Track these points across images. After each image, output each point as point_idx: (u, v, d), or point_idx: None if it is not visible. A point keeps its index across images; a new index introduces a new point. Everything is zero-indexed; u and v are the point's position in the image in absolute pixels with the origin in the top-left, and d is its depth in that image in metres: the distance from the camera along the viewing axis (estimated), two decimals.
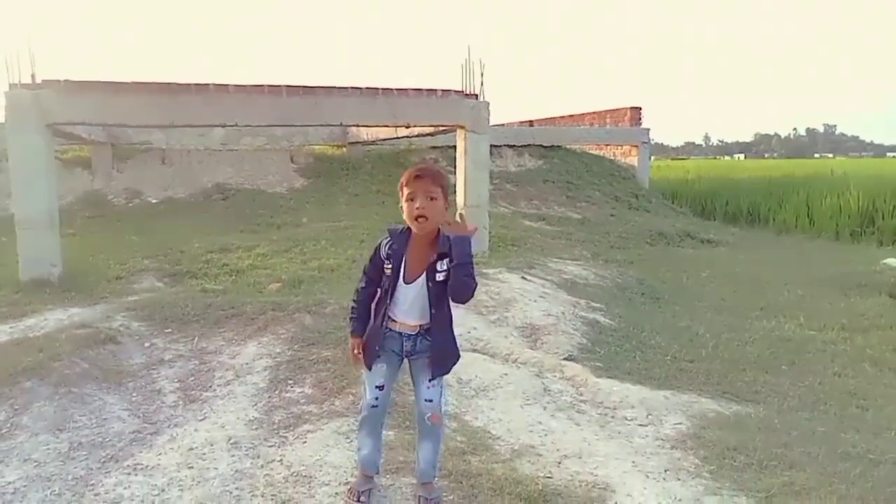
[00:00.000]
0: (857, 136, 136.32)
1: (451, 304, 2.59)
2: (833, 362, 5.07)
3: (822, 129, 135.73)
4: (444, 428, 2.88)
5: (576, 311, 5.87)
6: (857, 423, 3.80)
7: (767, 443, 3.34)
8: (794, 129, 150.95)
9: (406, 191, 2.47)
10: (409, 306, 2.59)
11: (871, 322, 6.14)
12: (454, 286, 2.48)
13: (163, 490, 2.94)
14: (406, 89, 7.59)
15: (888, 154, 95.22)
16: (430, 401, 2.65)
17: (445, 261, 2.50)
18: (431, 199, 2.45)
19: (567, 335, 5.18)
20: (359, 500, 2.71)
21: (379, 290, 2.62)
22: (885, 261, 9.07)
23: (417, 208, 2.43)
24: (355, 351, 2.68)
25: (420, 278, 2.55)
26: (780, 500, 2.83)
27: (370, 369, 2.65)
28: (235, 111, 7.05)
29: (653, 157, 22.68)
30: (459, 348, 2.72)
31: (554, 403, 3.88)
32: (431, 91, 7.67)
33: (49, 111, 6.42)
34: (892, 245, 11.89)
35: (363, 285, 2.67)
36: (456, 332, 2.73)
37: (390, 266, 2.55)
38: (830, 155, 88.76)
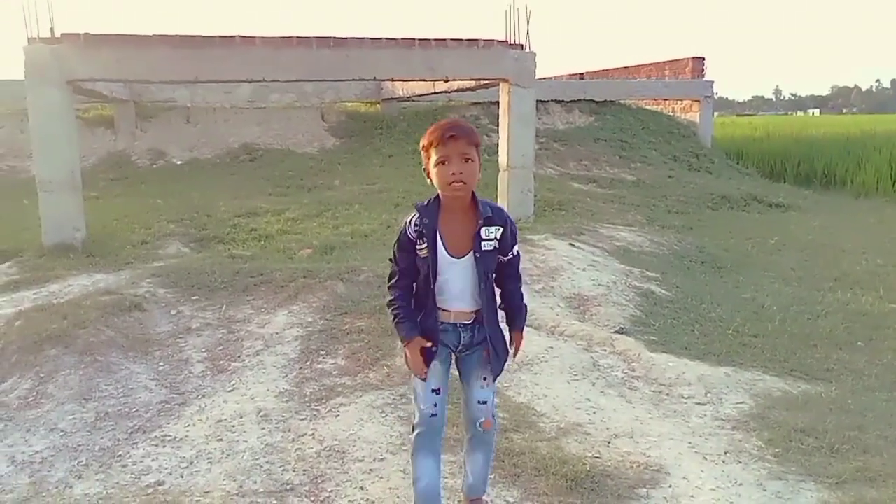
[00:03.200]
0: None
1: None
2: None
3: None
4: (497, 434, 2.65)
5: (628, 280, 5.80)
6: None
7: (839, 425, 3.27)
8: (878, 80, 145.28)
9: (436, 154, 2.22)
10: (460, 289, 2.32)
11: None
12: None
13: (191, 463, 3.04)
14: (445, 40, 7.49)
15: None
16: (484, 403, 2.41)
17: (493, 228, 2.29)
18: (467, 160, 2.21)
19: (619, 307, 5.13)
20: None
21: (416, 280, 2.34)
22: None
23: (454, 173, 2.19)
24: (419, 357, 2.33)
25: (469, 252, 2.29)
26: (852, 487, 2.78)
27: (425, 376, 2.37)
28: (263, 65, 7.07)
29: (716, 114, 22.08)
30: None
31: (604, 379, 3.87)
32: (472, 41, 7.56)
33: (69, 67, 6.54)
34: None
35: (396, 279, 2.35)
36: (498, 303, 2.63)
37: (424, 245, 2.27)
38: None
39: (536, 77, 7.95)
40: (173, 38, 6.87)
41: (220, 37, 6.98)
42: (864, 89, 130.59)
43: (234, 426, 3.35)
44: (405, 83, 11.61)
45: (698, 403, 3.60)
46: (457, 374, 2.47)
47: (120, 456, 3.12)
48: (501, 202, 7.77)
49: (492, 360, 2.39)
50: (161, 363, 4.10)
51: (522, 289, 2.47)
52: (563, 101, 14.88)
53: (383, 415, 3.41)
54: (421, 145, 2.29)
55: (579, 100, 15.09)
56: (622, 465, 2.97)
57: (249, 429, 3.31)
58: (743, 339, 4.69)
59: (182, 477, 2.92)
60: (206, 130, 12.40)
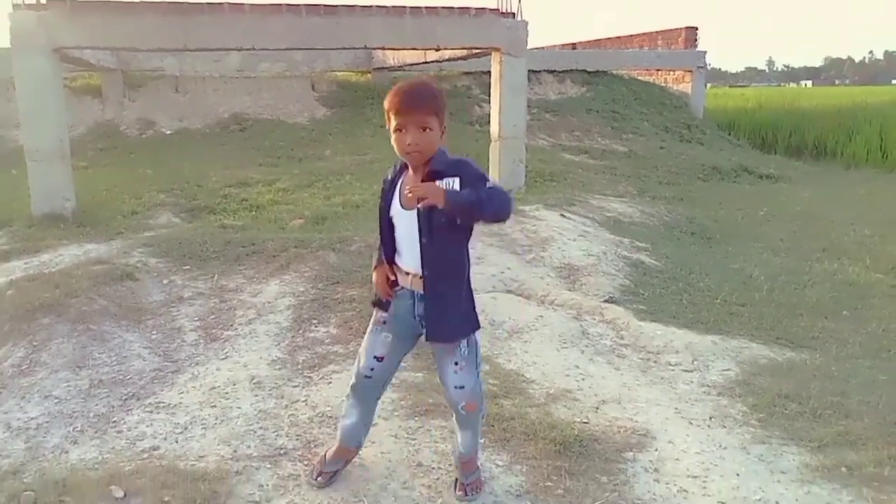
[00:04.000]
0: None
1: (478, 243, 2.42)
2: None
3: None
4: (485, 409, 2.63)
5: (618, 250, 5.85)
6: None
7: (822, 391, 3.35)
8: (870, 52, 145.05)
9: (394, 120, 2.17)
10: (407, 246, 2.28)
11: None
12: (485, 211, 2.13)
13: (185, 428, 3.07)
14: (436, 8, 7.43)
15: None
16: (461, 388, 2.36)
17: (446, 181, 2.14)
18: (425, 129, 2.16)
19: (608, 276, 5.18)
20: (317, 479, 2.57)
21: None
22: None
23: (409, 144, 2.15)
24: (382, 279, 2.36)
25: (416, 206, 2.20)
26: (834, 450, 2.86)
27: (377, 318, 2.43)
28: (251, 33, 7.01)
29: (709, 85, 21.98)
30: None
31: (593, 347, 3.93)
32: (464, 9, 7.51)
33: (55, 34, 6.46)
34: None
35: (379, 233, 2.38)
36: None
37: (390, 200, 2.31)
38: None
39: (528, 47, 7.91)
40: (161, 5, 6.79)
41: (209, 3, 6.90)
42: (856, 61, 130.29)
43: (227, 393, 3.38)
44: (396, 52, 11.53)
45: (685, 370, 3.67)
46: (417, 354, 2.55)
47: (115, 422, 3.16)
48: (493, 172, 7.79)
49: (428, 330, 2.30)
50: (154, 332, 4.13)
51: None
52: (555, 71, 14.81)
53: None
54: (384, 106, 2.22)
55: (571, 70, 15.01)
56: (609, 430, 3.03)
57: (243, 395, 3.35)
58: (730, 308, 4.76)
59: (177, 442, 2.96)
60: (196, 100, 12.28)
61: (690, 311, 4.66)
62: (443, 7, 7.48)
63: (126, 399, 3.38)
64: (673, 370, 3.67)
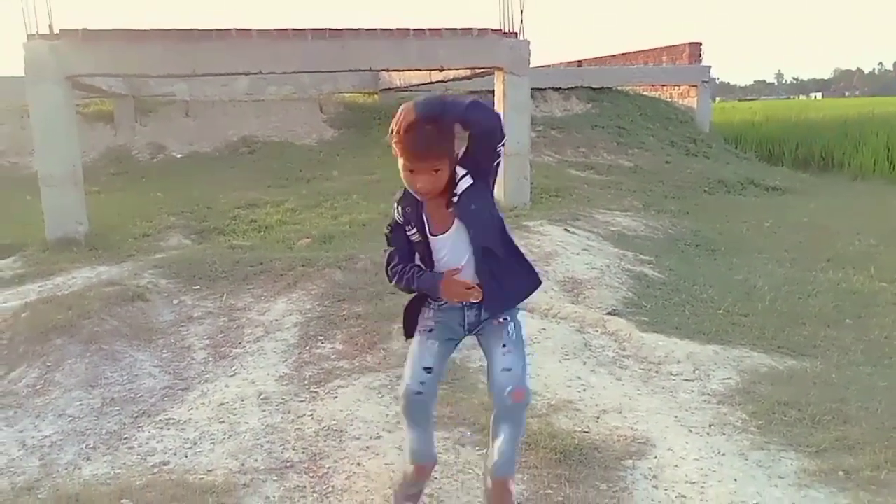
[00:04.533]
0: None
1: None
2: None
3: None
4: (528, 405, 2.39)
5: (622, 263, 5.91)
6: None
7: (822, 398, 3.38)
8: (880, 63, 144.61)
9: (402, 159, 2.16)
10: (453, 263, 2.27)
11: None
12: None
13: (195, 443, 3.16)
14: (439, 29, 7.57)
15: None
16: (509, 370, 2.22)
17: (462, 180, 2.19)
18: (436, 171, 2.15)
19: (611, 289, 5.24)
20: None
21: (414, 261, 2.33)
22: None
23: (420, 187, 2.18)
24: (459, 282, 2.24)
25: (453, 222, 2.24)
26: (832, 455, 2.90)
27: (411, 337, 2.40)
28: (259, 58, 7.16)
29: (717, 99, 22.10)
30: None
31: (595, 359, 3.98)
32: (466, 30, 7.64)
33: (68, 62, 6.63)
34: None
35: (395, 260, 2.33)
36: None
37: (414, 230, 2.27)
38: None
39: (534, 65, 8.03)
40: (170, 32, 6.97)
41: (217, 30, 7.06)
42: (866, 72, 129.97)
43: (235, 409, 3.46)
44: (402, 73, 11.68)
45: (686, 380, 3.71)
46: (456, 358, 2.53)
47: (126, 438, 3.25)
48: (498, 189, 7.86)
49: (487, 304, 2.27)
50: (164, 351, 4.22)
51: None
52: (560, 88, 14.92)
53: (380, 395, 3.52)
54: (389, 136, 2.18)
55: (576, 87, 15.13)
56: (610, 439, 3.09)
57: (250, 411, 3.43)
58: (733, 318, 4.80)
59: (186, 457, 3.04)
60: (205, 124, 12.48)
61: (693, 322, 4.70)
62: (446, 29, 7.61)
63: (137, 416, 3.47)
64: (674, 380, 3.71)
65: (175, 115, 12.60)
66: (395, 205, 2.30)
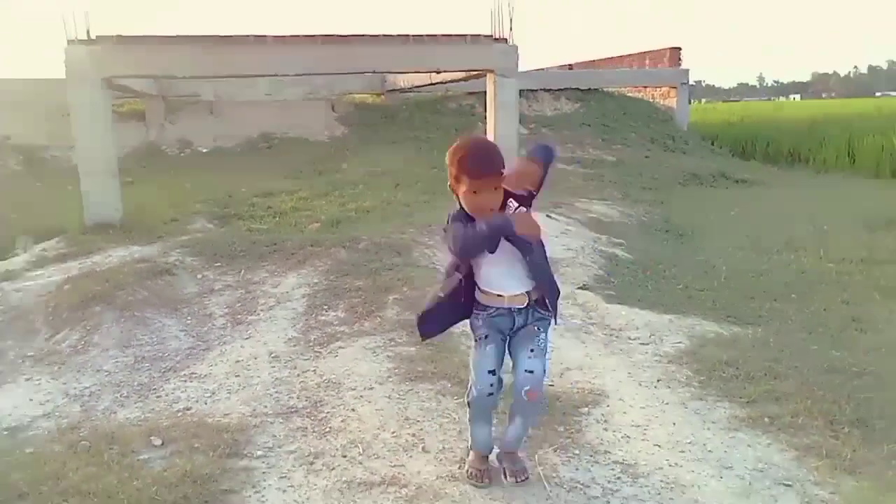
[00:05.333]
0: None
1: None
2: (844, 292, 5.17)
3: (885, 66, 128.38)
4: (542, 407, 2.60)
5: (596, 245, 6.10)
6: (852, 344, 3.98)
7: (758, 358, 3.57)
8: (855, 66, 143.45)
9: (467, 183, 2.23)
10: (505, 271, 2.36)
11: (890, 256, 6.18)
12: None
13: (213, 393, 3.37)
14: (436, 35, 7.72)
15: None
16: (531, 372, 2.34)
17: (511, 205, 2.30)
18: (496, 188, 2.25)
19: (584, 267, 5.43)
20: (482, 482, 2.49)
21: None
22: None
23: (482, 206, 2.25)
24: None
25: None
26: (760, 405, 3.09)
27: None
28: (275, 61, 7.34)
29: (703, 100, 22.03)
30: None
31: (563, 325, 4.16)
32: (461, 36, 7.78)
33: (104, 65, 6.82)
34: None
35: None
36: None
37: None
38: (894, 93, 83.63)
39: (528, 68, 8.23)
40: (197, 38, 7.14)
41: (237, 36, 7.23)
42: (842, 75, 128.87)
43: (249, 365, 3.68)
44: (406, 75, 11.84)
45: (642, 343, 3.91)
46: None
47: (154, 389, 3.46)
48: None
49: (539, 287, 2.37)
50: (188, 318, 4.44)
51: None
52: (551, 89, 15.06)
53: (375, 355, 3.73)
54: (448, 166, 2.26)
55: (566, 88, 15.27)
56: (570, 391, 3.29)
57: (262, 367, 3.65)
58: (690, 293, 4.99)
59: (206, 404, 3.26)
60: (228, 122, 12.67)
61: (654, 295, 4.89)
62: (442, 35, 7.76)
63: (164, 371, 3.69)
64: (631, 343, 3.91)
65: (201, 114, 12.80)
66: (449, 220, 2.32)
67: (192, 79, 10.91)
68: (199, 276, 5.10)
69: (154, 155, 11.63)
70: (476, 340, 2.45)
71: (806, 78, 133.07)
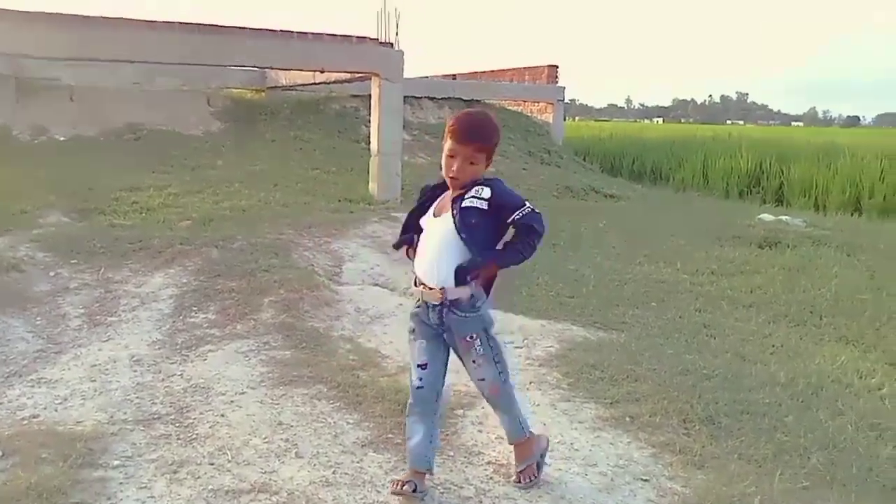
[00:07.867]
0: (766, 105, 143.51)
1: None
2: (697, 300, 5.61)
3: (734, 97, 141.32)
4: (512, 388, 2.56)
5: None
6: (703, 348, 4.32)
7: (620, 361, 3.79)
8: (710, 95, 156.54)
9: (448, 143, 2.25)
10: (430, 253, 2.35)
11: (737, 268, 6.78)
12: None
13: (65, 399, 3.12)
14: (321, 34, 7.62)
15: (793, 123, 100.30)
16: (483, 380, 2.41)
17: (477, 188, 2.23)
18: (471, 163, 2.23)
19: None
20: (402, 489, 2.32)
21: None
22: (759, 216, 9.88)
23: (453, 170, 2.24)
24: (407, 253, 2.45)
25: (447, 213, 2.26)
26: (622, 405, 3.28)
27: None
28: (145, 47, 6.94)
29: (577, 118, 23.19)
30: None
31: None
32: (346, 37, 7.73)
33: None
34: (773, 203, 12.87)
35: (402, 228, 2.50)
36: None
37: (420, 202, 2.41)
38: (741, 122, 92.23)
39: (412, 75, 8.26)
40: (56, 16, 6.60)
41: (104, 17, 6.77)
42: (699, 102, 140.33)
43: (107, 369, 3.43)
44: (288, 73, 11.56)
45: (516, 347, 4.03)
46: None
47: None
48: (372, 184, 8.03)
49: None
50: (38, 318, 4.08)
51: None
52: (435, 97, 15.24)
53: (247, 358, 3.60)
54: (447, 124, 2.29)
55: (450, 97, 15.51)
56: (446, 393, 3.32)
57: (122, 371, 3.42)
58: (561, 299, 5.21)
59: (56, 411, 3.01)
60: (91, 109, 11.75)
61: (527, 301, 5.06)
62: (327, 34, 7.67)
63: (8, 376, 3.37)
64: (506, 347, 4.02)
65: (59, 99, 11.79)
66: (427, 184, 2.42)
67: (50, 60, 10.06)
68: (52, 273, 4.70)
69: (2, 140, 10.58)
70: (409, 337, 2.51)
71: (668, 103, 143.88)
